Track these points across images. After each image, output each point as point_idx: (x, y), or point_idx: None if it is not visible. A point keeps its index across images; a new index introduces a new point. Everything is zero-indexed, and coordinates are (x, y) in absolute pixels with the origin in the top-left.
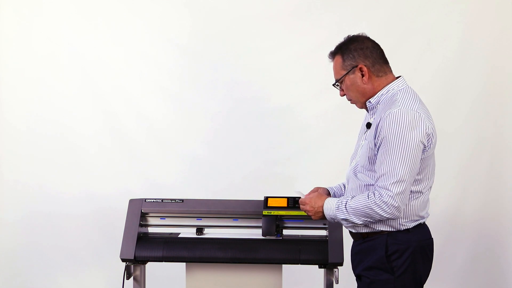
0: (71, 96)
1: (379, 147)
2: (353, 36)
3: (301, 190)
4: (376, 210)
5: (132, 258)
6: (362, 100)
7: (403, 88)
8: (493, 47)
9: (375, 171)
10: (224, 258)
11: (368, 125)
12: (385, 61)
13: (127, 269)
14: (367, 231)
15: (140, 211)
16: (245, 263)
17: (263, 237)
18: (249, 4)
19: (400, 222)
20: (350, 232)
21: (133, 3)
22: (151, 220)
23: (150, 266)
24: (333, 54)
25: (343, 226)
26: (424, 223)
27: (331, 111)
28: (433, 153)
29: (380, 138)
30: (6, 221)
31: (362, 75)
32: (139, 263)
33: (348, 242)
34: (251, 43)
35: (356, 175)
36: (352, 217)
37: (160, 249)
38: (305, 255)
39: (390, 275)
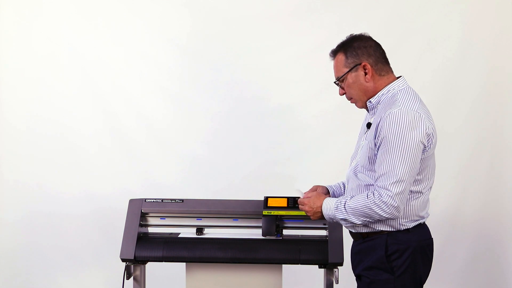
0: (71, 96)
1: (379, 147)
2: (356, 35)
3: (301, 188)
4: (375, 210)
5: (132, 258)
6: (363, 99)
7: (404, 88)
8: (493, 47)
9: (375, 171)
10: (224, 258)
11: (369, 125)
12: (387, 61)
13: (127, 269)
14: (367, 231)
15: (140, 211)
16: (245, 263)
17: (263, 237)
18: (249, 4)
19: (400, 222)
20: (350, 232)
21: (133, 3)
22: (151, 220)
23: (150, 266)
24: (335, 52)
25: (343, 226)
26: (424, 223)
27: (331, 111)
28: (433, 153)
29: (380, 138)
30: (6, 221)
31: (365, 73)
32: (139, 263)
33: (348, 242)
34: (251, 43)
35: (356, 175)
36: (351, 217)
37: (160, 249)
38: (305, 255)
39: (390, 275)
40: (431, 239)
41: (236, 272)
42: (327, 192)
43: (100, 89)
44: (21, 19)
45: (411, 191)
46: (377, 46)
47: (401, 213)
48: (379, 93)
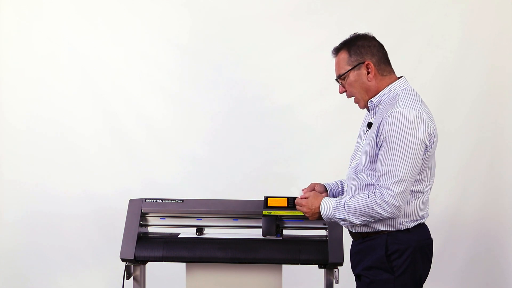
0: (71, 96)
1: (380, 147)
2: (360, 34)
3: (301, 186)
4: (376, 209)
5: (132, 258)
6: (364, 98)
7: (405, 88)
8: (493, 47)
9: (376, 171)
10: (224, 258)
11: (369, 125)
12: (389, 62)
13: (127, 269)
14: (367, 230)
15: (140, 211)
16: (245, 263)
17: (263, 237)
18: (249, 4)
19: (401, 222)
20: (350, 231)
21: (133, 3)
22: (151, 220)
23: (150, 266)
24: (337, 50)
25: (343, 226)
26: (423, 223)
27: (331, 111)
28: (434, 153)
29: (382, 138)
30: (6, 221)
31: (368, 72)
32: (139, 263)
33: (348, 242)
34: (251, 43)
35: (356, 175)
36: (351, 217)
37: (160, 249)
38: (305, 255)
39: (390, 275)
40: (431, 239)
41: (236, 272)
42: (325, 190)
43: (100, 89)
44: (21, 19)
45: (412, 191)
46: (380, 46)
47: (402, 212)
48: (381, 93)
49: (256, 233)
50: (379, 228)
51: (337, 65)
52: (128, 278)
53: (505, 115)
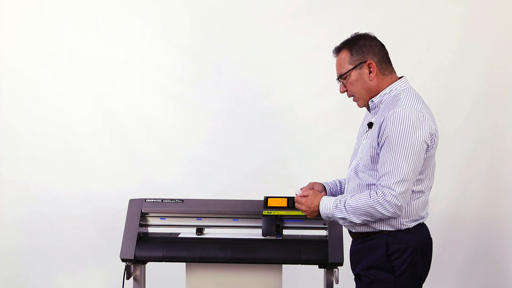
0: (71, 96)
1: (382, 146)
2: (362, 33)
3: (299, 185)
4: (378, 209)
5: (132, 258)
6: (365, 97)
7: (406, 88)
8: (493, 47)
9: (377, 171)
10: (224, 258)
11: (370, 125)
12: (390, 62)
13: (127, 269)
14: (367, 230)
15: (140, 211)
16: (245, 263)
17: (263, 237)
18: (249, 4)
19: (401, 221)
20: (350, 231)
21: (133, 3)
22: (151, 220)
23: (150, 266)
24: (339, 49)
25: (343, 226)
26: (423, 223)
27: (331, 111)
28: (434, 153)
29: (383, 137)
30: (6, 221)
31: (370, 72)
32: (139, 263)
33: (348, 242)
34: (251, 43)
35: (357, 175)
36: (352, 216)
37: (160, 249)
38: (305, 255)
39: (390, 275)
40: (431, 239)
41: (236, 272)
42: (323, 189)
43: (100, 89)
44: (21, 19)
45: (413, 191)
46: (382, 46)
47: (403, 212)
48: (381, 93)
49: (256, 233)
50: (379, 228)
51: (338, 65)
52: (128, 278)
53: (505, 115)
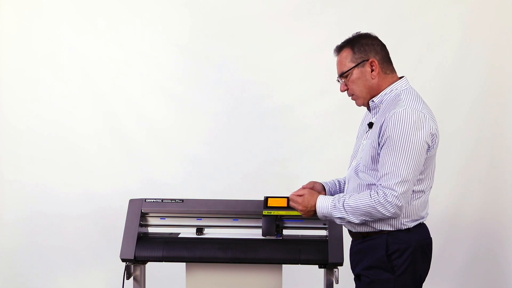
0: (71, 96)
1: (382, 146)
2: (363, 33)
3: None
4: (379, 209)
5: (132, 258)
6: (366, 96)
7: (407, 88)
8: (493, 47)
9: (378, 170)
10: (224, 258)
11: (370, 125)
12: (391, 62)
13: (127, 269)
14: (367, 230)
15: (140, 211)
16: (245, 263)
17: (263, 237)
18: (249, 4)
19: (402, 221)
20: (350, 231)
21: (133, 3)
22: (151, 220)
23: (150, 266)
24: (340, 47)
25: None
26: (423, 223)
27: (331, 111)
28: (435, 153)
29: (384, 137)
30: (6, 221)
31: (372, 70)
32: (139, 263)
33: (348, 242)
34: (251, 43)
35: (357, 175)
36: (351, 216)
37: (160, 249)
38: (305, 255)
39: (390, 275)
40: (431, 239)
41: (236, 272)
42: (323, 189)
43: (100, 89)
44: (21, 19)
45: (414, 191)
46: (383, 46)
47: (403, 212)
48: (382, 93)
49: (256, 233)
50: (380, 228)
51: (340, 63)
52: (128, 278)
53: (505, 115)
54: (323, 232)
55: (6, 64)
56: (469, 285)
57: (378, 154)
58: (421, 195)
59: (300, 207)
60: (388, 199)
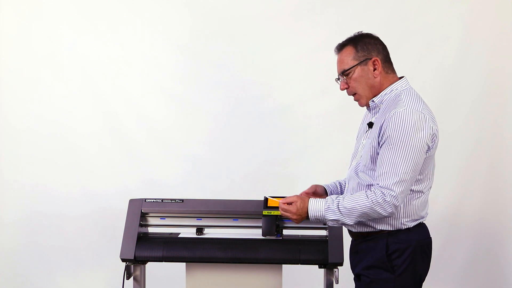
0: (71, 96)
1: (382, 146)
2: (365, 32)
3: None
4: (377, 209)
5: (132, 258)
6: (368, 95)
7: (407, 89)
8: (493, 47)
9: (375, 170)
10: (224, 258)
11: (370, 125)
12: (391, 62)
13: (127, 269)
14: (367, 230)
15: (140, 211)
16: (245, 263)
17: (263, 237)
18: (249, 4)
19: (402, 221)
20: (350, 231)
21: (133, 3)
22: (151, 220)
23: (150, 266)
24: (342, 46)
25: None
26: (423, 222)
27: (331, 111)
28: (434, 153)
29: (384, 137)
30: (6, 221)
31: (374, 69)
32: (139, 263)
33: (348, 242)
34: (251, 43)
35: (357, 174)
36: (346, 218)
37: (160, 249)
38: (305, 255)
39: (390, 274)
40: (430, 238)
41: (236, 272)
42: (325, 192)
43: (100, 89)
44: (21, 19)
45: (413, 191)
46: (384, 46)
47: (403, 212)
48: (382, 93)
49: (256, 233)
50: (380, 228)
51: (341, 61)
52: (128, 278)
53: (505, 115)
54: (323, 232)
55: (6, 64)
56: (469, 285)
57: (378, 154)
58: (420, 195)
59: (294, 217)
60: (386, 199)
